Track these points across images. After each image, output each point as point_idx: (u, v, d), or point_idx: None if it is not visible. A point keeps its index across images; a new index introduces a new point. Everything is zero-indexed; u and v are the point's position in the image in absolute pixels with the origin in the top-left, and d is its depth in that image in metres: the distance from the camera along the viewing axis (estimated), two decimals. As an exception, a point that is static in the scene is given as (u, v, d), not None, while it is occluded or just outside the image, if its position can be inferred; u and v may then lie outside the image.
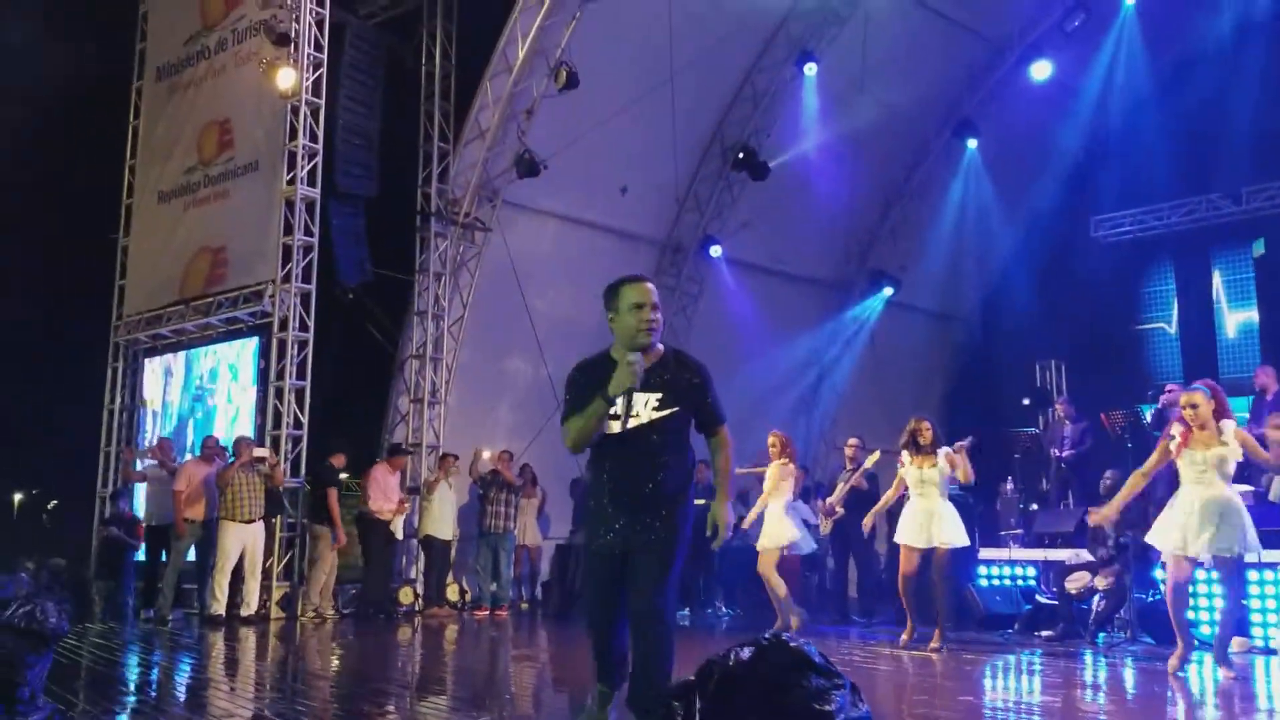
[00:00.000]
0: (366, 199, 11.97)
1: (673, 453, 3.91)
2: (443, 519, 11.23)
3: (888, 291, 15.18)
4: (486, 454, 11.69)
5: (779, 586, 8.95)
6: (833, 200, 14.01)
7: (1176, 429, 6.64)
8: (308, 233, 10.98)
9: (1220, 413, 6.53)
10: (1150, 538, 6.78)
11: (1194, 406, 6.57)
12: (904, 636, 8.30)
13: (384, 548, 10.91)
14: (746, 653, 2.35)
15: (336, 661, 7.94)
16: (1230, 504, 6.44)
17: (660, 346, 4.02)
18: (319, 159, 11.10)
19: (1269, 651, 7.94)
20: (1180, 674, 6.47)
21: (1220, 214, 13.69)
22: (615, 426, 3.88)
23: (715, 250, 14.14)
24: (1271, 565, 8.71)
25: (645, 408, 3.87)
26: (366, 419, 12.44)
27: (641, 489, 3.87)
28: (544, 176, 12.06)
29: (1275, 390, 10.40)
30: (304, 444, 10.76)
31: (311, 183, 11.03)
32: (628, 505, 3.92)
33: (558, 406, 13.54)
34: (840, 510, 9.94)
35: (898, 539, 8.39)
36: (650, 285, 3.99)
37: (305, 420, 10.78)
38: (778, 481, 9.04)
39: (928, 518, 8.11)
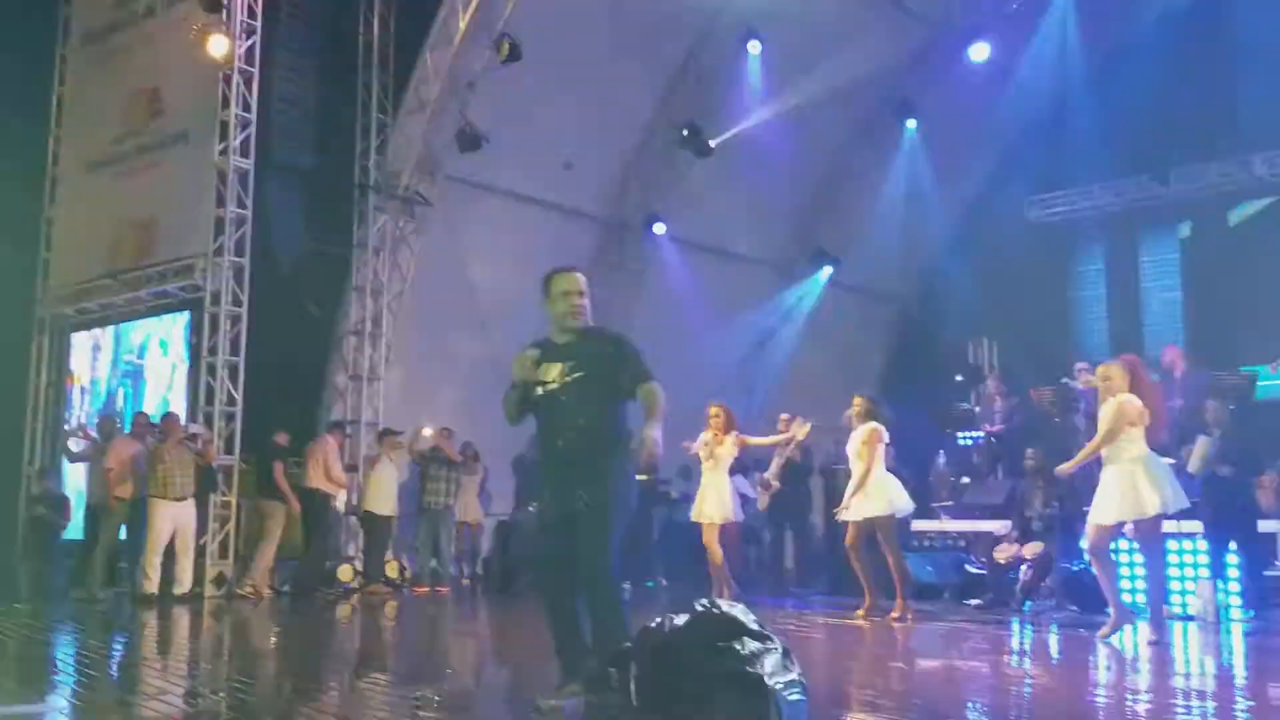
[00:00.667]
0: (302, 171, 11.77)
1: (583, 415, 4.19)
2: (383, 495, 11.14)
3: (828, 271, 15.32)
4: (428, 431, 11.60)
5: (718, 557, 9.13)
6: (775, 179, 14.06)
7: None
8: (241, 205, 10.77)
9: (1132, 387, 6.74)
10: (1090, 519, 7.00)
11: (1107, 378, 6.80)
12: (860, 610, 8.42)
13: (329, 523, 10.85)
14: (682, 619, 2.39)
15: (274, 639, 7.88)
16: (1139, 468, 6.64)
17: (588, 326, 4.40)
18: (252, 129, 10.87)
19: (1187, 618, 8.23)
20: (1107, 640, 6.64)
21: (1148, 196, 14.01)
22: (539, 390, 4.31)
23: (659, 228, 14.13)
24: (1190, 535, 9.02)
25: (559, 375, 4.26)
26: (303, 396, 12.25)
27: (554, 444, 4.23)
28: (486, 151, 11.93)
29: (1183, 369, 10.73)
30: (238, 421, 10.60)
31: (245, 154, 10.80)
32: (550, 463, 4.30)
33: (500, 383, 13.48)
34: (776, 484, 10.06)
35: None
36: (579, 275, 4.42)
37: (239, 397, 10.62)
38: (733, 451, 9.17)
39: (853, 490, 8.35)
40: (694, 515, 9.20)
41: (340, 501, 11.11)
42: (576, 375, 4.21)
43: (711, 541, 9.03)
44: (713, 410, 9.31)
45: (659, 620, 2.42)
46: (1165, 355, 11.18)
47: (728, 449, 9.16)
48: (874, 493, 8.30)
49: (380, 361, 12.22)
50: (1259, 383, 10.93)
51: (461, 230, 12.43)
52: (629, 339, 4.34)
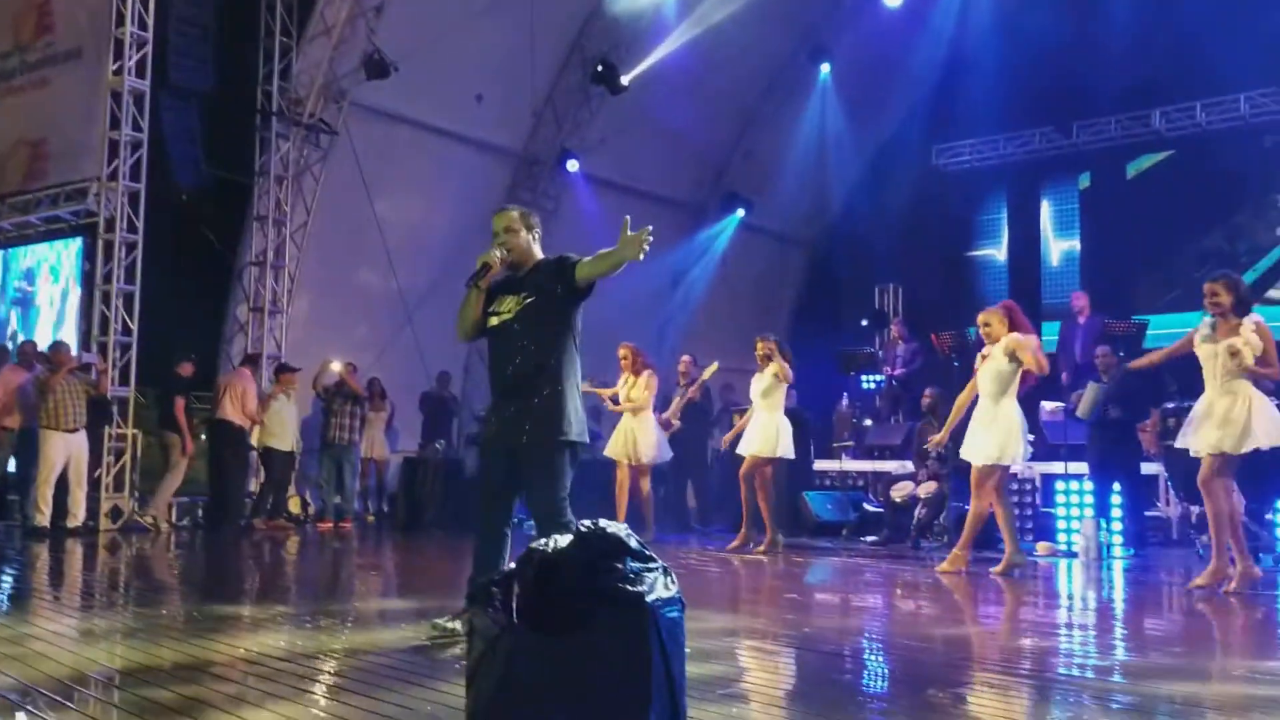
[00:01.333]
0: (201, 94, 11.34)
1: (534, 339, 4.22)
2: (281, 430, 10.98)
3: (740, 213, 15.38)
4: (336, 366, 11.40)
5: (648, 499, 9.38)
6: (690, 120, 14.02)
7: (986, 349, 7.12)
8: (136, 128, 10.38)
9: (1010, 331, 6.98)
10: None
11: (986, 325, 7.05)
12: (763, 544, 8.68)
13: (245, 457, 10.81)
14: (566, 541, 2.43)
15: (174, 573, 7.75)
16: (991, 415, 6.94)
17: (536, 260, 4.44)
18: (149, 49, 10.44)
19: (1070, 555, 8.60)
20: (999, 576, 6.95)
21: (1051, 147, 14.32)
22: (494, 321, 4.32)
23: (572, 165, 13.99)
24: (1077, 476, 9.41)
25: (512, 305, 4.30)
26: (203, 327, 11.94)
27: (505, 369, 4.25)
28: (395, 80, 11.63)
29: (1089, 314, 11.13)
30: (133, 351, 10.31)
31: (140, 74, 10.39)
32: (500, 389, 4.30)
33: (408, 319, 13.21)
34: (677, 423, 10.18)
35: None
36: (511, 213, 4.47)
37: (135, 327, 10.32)
38: (648, 392, 9.29)
39: (751, 427, 8.59)
40: (619, 455, 9.28)
41: (254, 436, 10.96)
42: (529, 301, 4.24)
43: (626, 480, 9.21)
44: (621, 352, 9.39)
45: (544, 542, 2.46)
46: (1075, 301, 11.57)
47: (642, 389, 9.26)
48: (765, 433, 8.54)
49: (283, 294, 11.95)
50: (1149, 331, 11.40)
51: (369, 161, 12.12)
52: (571, 254, 4.32)
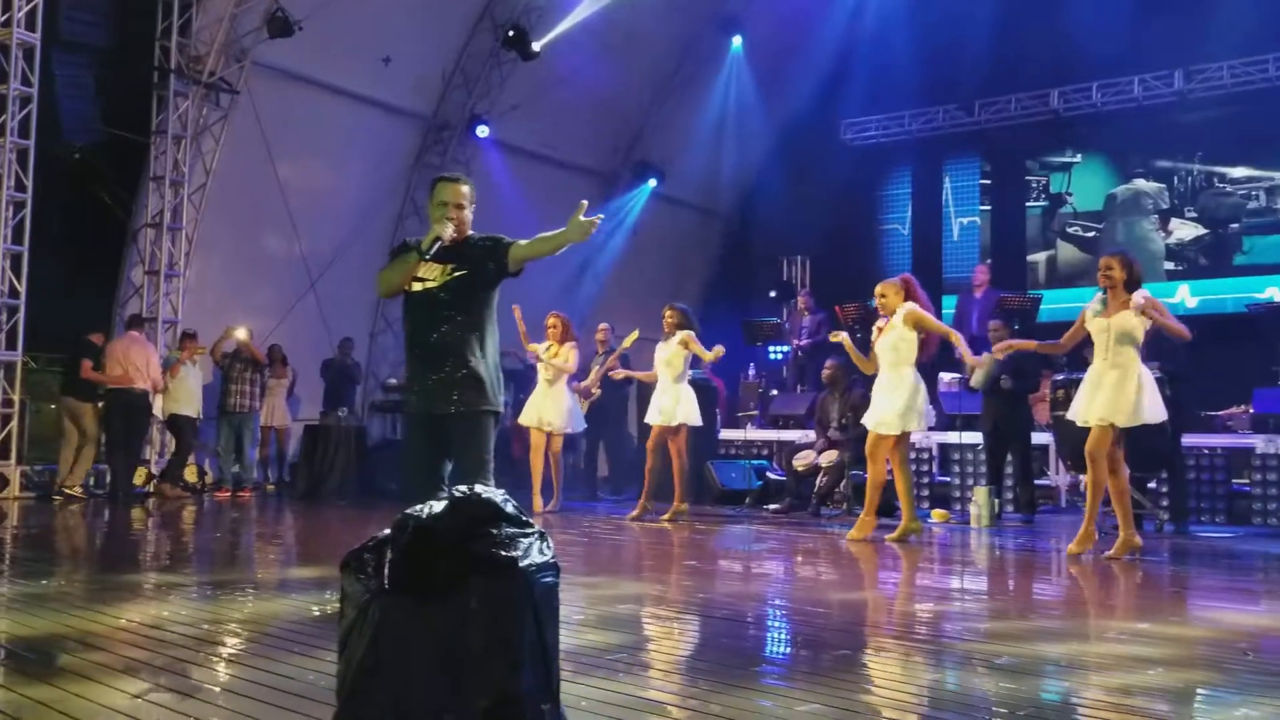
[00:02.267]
0: (95, 49, 10.91)
1: (460, 311, 4.19)
2: (188, 397, 10.73)
3: (652, 183, 15.39)
4: (241, 333, 11.13)
5: (557, 466, 9.40)
6: (603, 89, 13.94)
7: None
8: (26, 83, 9.97)
9: (908, 302, 7.16)
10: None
11: (883, 297, 7.21)
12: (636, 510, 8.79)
13: (147, 424, 10.60)
14: (440, 506, 2.42)
15: (66, 543, 7.54)
16: (890, 385, 7.14)
17: (467, 233, 4.30)
18: (39, 0, 10.01)
19: (964, 522, 8.87)
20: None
21: (954, 124, 14.59)
22: (416, 287, 4.22)
23: (483, 131, 13.82)
24: (972, 445, 9.69)
25: (440, 274, 4.21)
26: (96, 290, 11.55)
27: (428, 337, 4.19)
28: (300, 40, 11.33)
29: (986, 289, 11.45)
30: (21, 314, 9.95)
31: (30, 26, 9.96)
32: (421, 356, 4.23)
33: (311, 285, 12.91)
34: (596, 392, 10.22)
35: None
36: (463, 187, 4.29)
37: (23, 289, 9.96)
38: (569, 362, 9.31)
39: (657, 396, 8.67)
40: (533, 423, 9.27)
41: (158, 404, 10.68)
42: (460, 274, 4.18)
43: (542, 443, 9.22)
44: (550, 320, 9.41)
45: (420, 508, 2.45)
46: (976, 275, 11.86)
47: (565, 358, 9.28)
48: (670, 401, 8.64)
49: (180, 257, 11.62)
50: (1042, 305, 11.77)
51: (272, 122, 11.80)
52: (504, 236, 4.28)
